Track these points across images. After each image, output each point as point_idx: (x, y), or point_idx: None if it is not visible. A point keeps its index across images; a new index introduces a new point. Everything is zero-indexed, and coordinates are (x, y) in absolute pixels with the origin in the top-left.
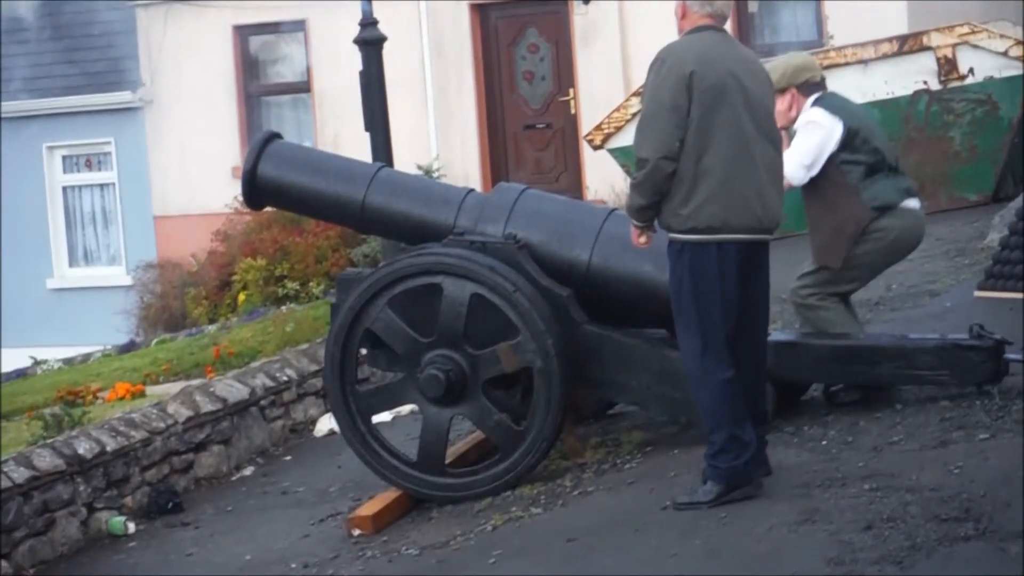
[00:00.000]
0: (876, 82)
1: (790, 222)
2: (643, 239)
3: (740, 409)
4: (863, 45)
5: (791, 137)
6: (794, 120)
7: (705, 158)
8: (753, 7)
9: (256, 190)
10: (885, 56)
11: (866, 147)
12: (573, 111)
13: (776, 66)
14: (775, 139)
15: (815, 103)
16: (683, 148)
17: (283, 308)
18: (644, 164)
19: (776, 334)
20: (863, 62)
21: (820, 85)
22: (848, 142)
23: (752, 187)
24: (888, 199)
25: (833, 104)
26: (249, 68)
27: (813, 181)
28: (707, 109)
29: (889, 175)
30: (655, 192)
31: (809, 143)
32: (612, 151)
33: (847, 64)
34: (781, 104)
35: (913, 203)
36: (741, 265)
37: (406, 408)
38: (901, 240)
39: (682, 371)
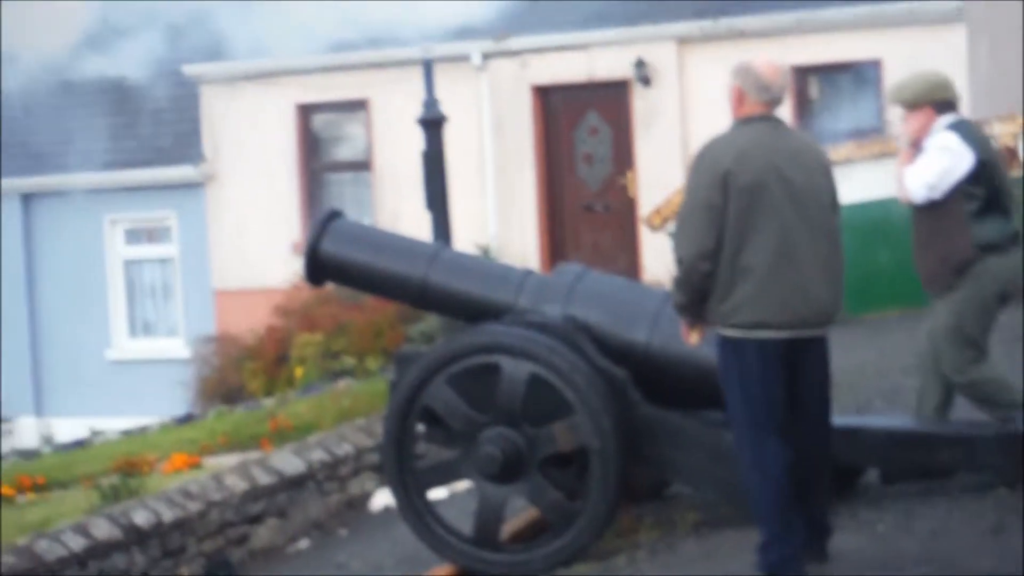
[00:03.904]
0: None
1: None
2: (693, 337)
3: (788, 505)
4: None
5: (919, 153)
6: (924, 138)
7: (742, 256)
8: (814, 92)
9: (318, 267)
10: None
11: (989, 183)
12: (631, 193)
13: (909, 83)
14: (826, 231)
15: (951, 127)
16: (721, 246)
17: (340, 383)
18: (681, 264)
19: (834, 418)
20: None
21: (954, 106)
22: (975, 174)
23: (793, 284)
24: (995, 239)
25: (969, 133)
26: (311, 145)
27: (930, 204)
28: (744, 207)
29: (1001, 216)
30: (694, 290)
31: (937, 165)
32: (671, 234)
33: None
34: (914, 121)
35: (1017, 249)
36: (788, 359)
37: (462, 484)
38: (1011, 283)
39: (736, 453)
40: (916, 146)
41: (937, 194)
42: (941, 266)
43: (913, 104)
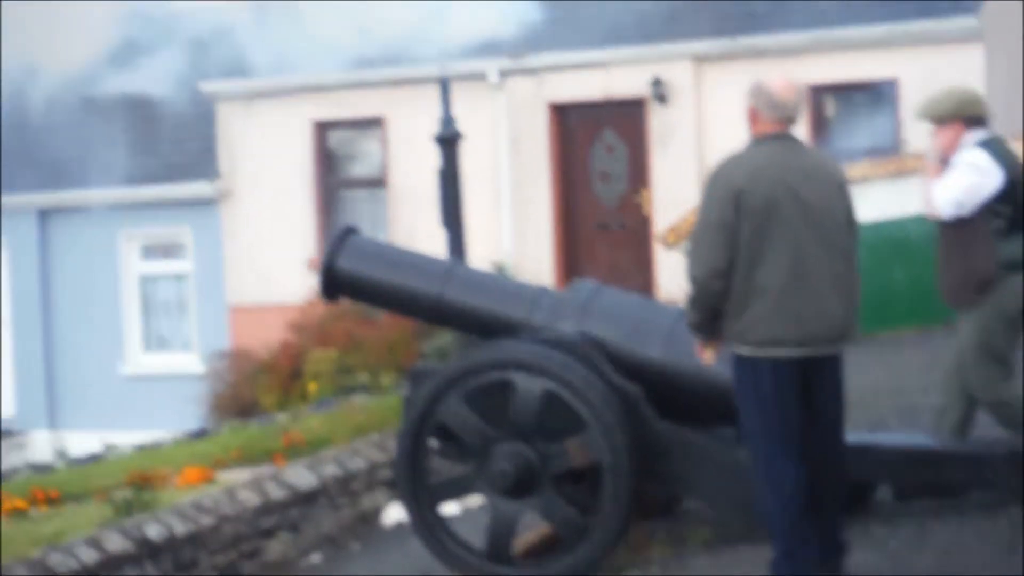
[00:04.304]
0: None
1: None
2: (708, 355)
3: (801, 521)
4: None
5: (947, 169)
6: (954, 154)
7: (756, 275)
8: (830, 111)
9: (334, 283)
10: None
11: (1016, 202)
12: (646, 211)
13: (939, 98)
14: (841, 249)
15: (981, 144)
16: (735, 265)
17: (354, 399)
18: (694, 282)
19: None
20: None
21: (984, 122)
22: (1003, 193)
23: (806, 303)
24: (1019, 258)
25: (998, 151)
26: (327, 162)
27: (957, 221)
28: (757, 226)
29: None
30: (706, 308)
31: (965, 182)
32: (686, 252)
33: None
34: (944, 136)
35: None
36: (802, 377)
37: (475, 499)
38: None
39: (749, 471)
40: (945, 162)
41: (964, 211)
42: (963, 283)
43: (943, 119)
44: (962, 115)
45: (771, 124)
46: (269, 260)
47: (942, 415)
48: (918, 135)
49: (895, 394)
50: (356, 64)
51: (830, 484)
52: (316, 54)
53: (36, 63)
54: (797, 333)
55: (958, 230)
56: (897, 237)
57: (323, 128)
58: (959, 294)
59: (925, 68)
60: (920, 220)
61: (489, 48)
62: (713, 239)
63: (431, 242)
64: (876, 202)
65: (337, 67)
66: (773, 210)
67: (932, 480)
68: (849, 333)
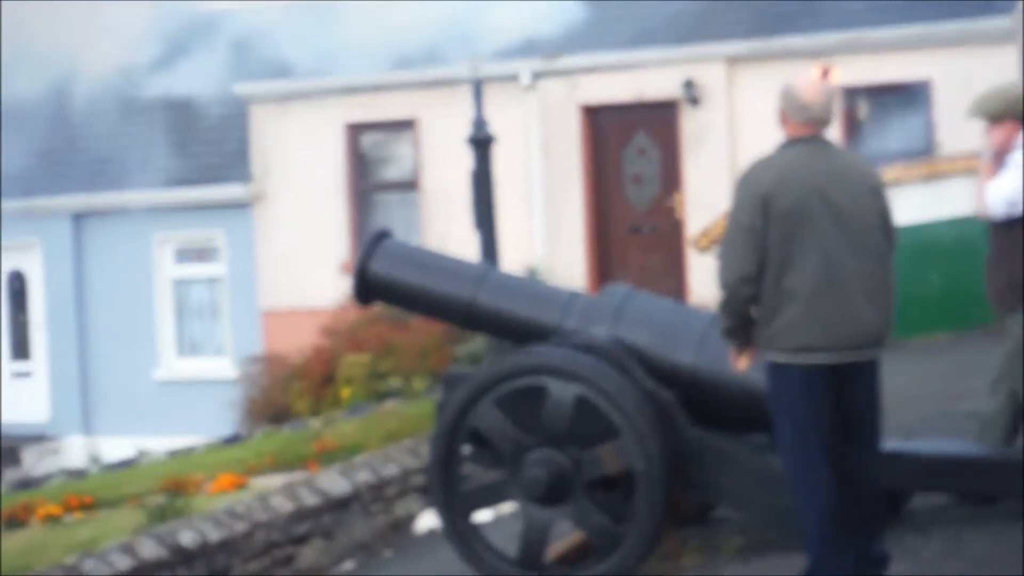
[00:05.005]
0: None
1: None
2: (742, 362)
3: (834, 530)
4: (974, 155)
5: (1000, 168)
6: (1008, 151)
7: (786, 280)
8: (862, 113)
9: (367, 287)
10: None
11: None
12: (678, 215)
13: (992, 96)
14: (873, 252)
15: None
16: (764, 270)
17: (386, 404)
18: (724, 287)
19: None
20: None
21: None
22: None
23: (837, 308)
24: None
25: None
26: (359, 165)
27: (1008, 221)
28: (786, 231)
29: None
30: (737, 314)
31: (1018, 182)
32: (719, 256)
33: (956, 173)
34: (997, 135)
35: None
36: (835, 383)
37: (508, 506)
38: None
39: (783, 478)
40: (999, 160)
41: (1017, 211)
42: (1010, 285)
43: (996, 117)
44: (1015, 112)
45: (800, 127)
46: (302, 264)
47: (989, 421)
48: (952, 137)
49: (928, 400)
50: (394, 65)
51: (864, 493)
52: (352, 55)
53: (77, 64)
54: (827, 339)
55: (1009, 231)
56: (930, 241)
57: (356, 130)
58: (1004, 296)
59: (959, 69)
60: (953, 223)
61: (521, 49)
62: (742, 244)
63: (464, 245)
64: (909, 205)
65: (374, 68)
66: (802, 214)
67: (968, 488)
68: (882, 339)
